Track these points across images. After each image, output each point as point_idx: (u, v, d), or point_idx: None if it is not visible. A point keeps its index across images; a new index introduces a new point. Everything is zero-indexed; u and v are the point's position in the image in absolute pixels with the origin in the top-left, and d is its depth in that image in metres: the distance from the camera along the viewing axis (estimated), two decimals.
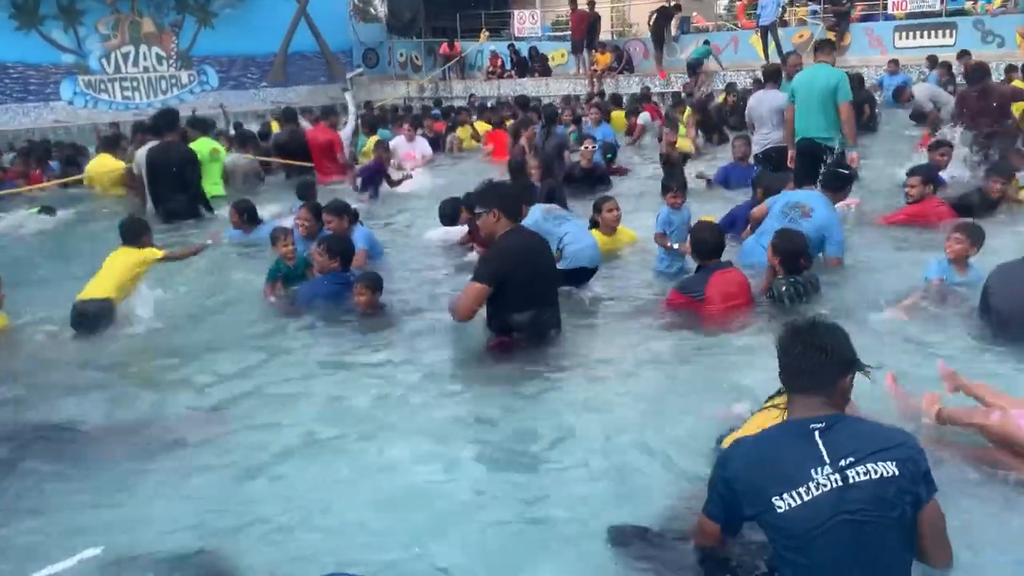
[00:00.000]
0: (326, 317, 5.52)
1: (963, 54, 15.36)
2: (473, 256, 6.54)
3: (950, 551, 2.46)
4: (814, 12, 21.37)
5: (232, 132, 13.58)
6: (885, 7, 20.77)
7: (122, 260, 5.86)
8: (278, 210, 8.70)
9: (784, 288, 5.15)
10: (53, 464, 3.80)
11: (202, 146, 9.52)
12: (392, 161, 10.87)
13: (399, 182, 10.53)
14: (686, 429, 3.71)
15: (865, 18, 20.73)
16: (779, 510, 2.32)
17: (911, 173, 7.24)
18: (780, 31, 19.20)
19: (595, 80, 21.25)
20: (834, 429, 2.39)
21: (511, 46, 24.57)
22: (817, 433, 2.38)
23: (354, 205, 7.10)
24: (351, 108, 12.93)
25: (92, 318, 5.52)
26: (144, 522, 3.28)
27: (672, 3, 21.35)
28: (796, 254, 5.20)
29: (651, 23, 21.30)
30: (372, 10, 28.06)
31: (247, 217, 7.71)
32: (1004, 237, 5.87)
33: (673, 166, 9.51)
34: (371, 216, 8.47)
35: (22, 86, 20.07)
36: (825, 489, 2.30)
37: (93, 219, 9.51)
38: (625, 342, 5.06)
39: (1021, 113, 9.38)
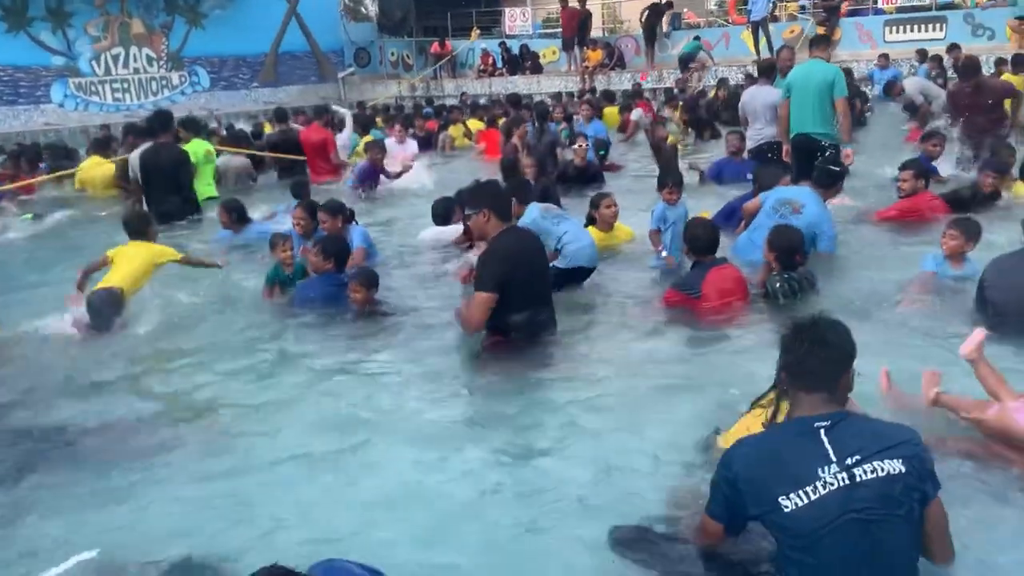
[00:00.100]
0: (322, 318, 5.50)
1: (953, 47, 15.44)
2: (470, 256, 6.51)
3: (952, 548, 2.47)
4: (803, 7, 21.43)
5: (224, 133, 13.55)
6: (875, 1, 20.83)
7: (137, 253, 5.80)
8: (269, 211, 8.68)
9: (778, 284, 5.16)
10: (46, 468, 3.77)
11: (196, 147, 9.48)
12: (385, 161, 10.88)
13: (398, 175, 10.53)
14: (685, 428, 3.70)
15: (855, 12, 20.79)
16: (786, 510, 2.31)
17: (903, 167, 7.24)
18: (771, 26, 19.24)
19: (587, 77, 21.26)
20: (839, 427, 2.38)
21: (502, 44, 24.59)
22: (822, 431, 2.38)
23: (351, 204, 7.07)
24: (348, 120, 13.05)
25: (101, 306, 5.49)
26: (140, 526, 3.27)
27: (664, 0, 21.38)
28: (792, 250, 5.21)
29: (643, 19, 21.32)
30: (363, 9, 27.98)
31: (236, 216, 7.66)
32: (998, 232, 5.88)
33: (664, 156, 9.48)
34: (366, 214, 8.44)
35: (12, 89, 19.95)
36: (832, 488, 2.29)
37: (87, 223, 9.45)
38: (623, 341, 5.05)
39: (1011, 107, 9.39)
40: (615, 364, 4.66)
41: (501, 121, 13.72)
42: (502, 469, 3.62)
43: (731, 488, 2.45)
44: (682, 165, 9.22)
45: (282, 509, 3.33)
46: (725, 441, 3.32)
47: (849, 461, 2.32)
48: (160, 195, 8.64)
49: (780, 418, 3.12)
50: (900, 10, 20.07)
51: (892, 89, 14.64)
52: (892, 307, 5.19)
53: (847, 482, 2.30)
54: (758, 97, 9.16)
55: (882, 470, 2.30)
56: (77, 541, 3.12)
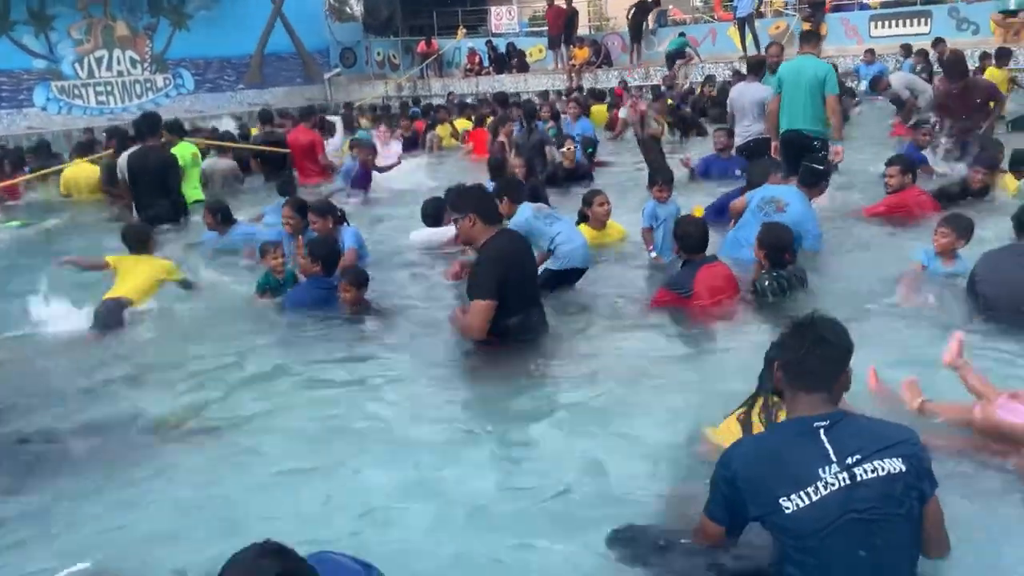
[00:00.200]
0: (312, 321, 5.47)
1: (938, 42, 15.52)
2: (467, 256, 6.47)
3: (948, 544, 2.49)
4: (788, 3, 21.50)
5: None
6: None
7: (142, 269, 5.97)
8: (256, 212, 8.63)
9: (767, 283, 5.16)
10: (34, 477, 3.74)
11: (183, 150, 9.42)
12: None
13: (388, 168, 10.50)
14: (681, 427, 3.69)
15: (840, 8, 20.87)
16: (787, 511, 2.30)
17: (890, 163, 7.24)
18: (757, 23, 19.30)
19: (574, 75, 21.27)
20: (838, 427, 2.38)
21: (489, 42, 24.56)
22: (822, 431, 2.37)
23: (342, 205, 7.03)
24: (339, 127, 13.07)
25: (109, 315, 5.62)
26: (134, 535, 3.23)
27: None
28: (781, 248, 5.21)
29: (629, 17, 21.35)
30: (348, 9, 27.89)
31: (221, 218, 7.59)
32: (988, 227, 5.90)
33: (653, 153, 9.46)
34: (357, 215, 8.41)
35: None
36: (833, 488, 2.29)
37: (73, 229, 9.36)
38: (616, 340, 5.04)
39: (993, 106, 9.44)
40: (608, 364, 4.65)
41: (489, 120, 13.70)
42: (496, 471, 3.62)
43: (730, 487, 2.43)
44: (674, 158, 9.22)
45: (277, 514, 3.30)
46: (714, 433, 3.33)
47: (849, 461, 2.31)
48: (148, 198, 8.57)
49: (755, 413, 3.14)
50: (885, 5, 20.18)
51: (879, 85, 14.69)
52: (881, 304, 5.19)
53: (848, 482, 2.29)
54: (746, 94, 9.16)
55: (883, 469, 2.30)
56: (68, 549, 3.09)
